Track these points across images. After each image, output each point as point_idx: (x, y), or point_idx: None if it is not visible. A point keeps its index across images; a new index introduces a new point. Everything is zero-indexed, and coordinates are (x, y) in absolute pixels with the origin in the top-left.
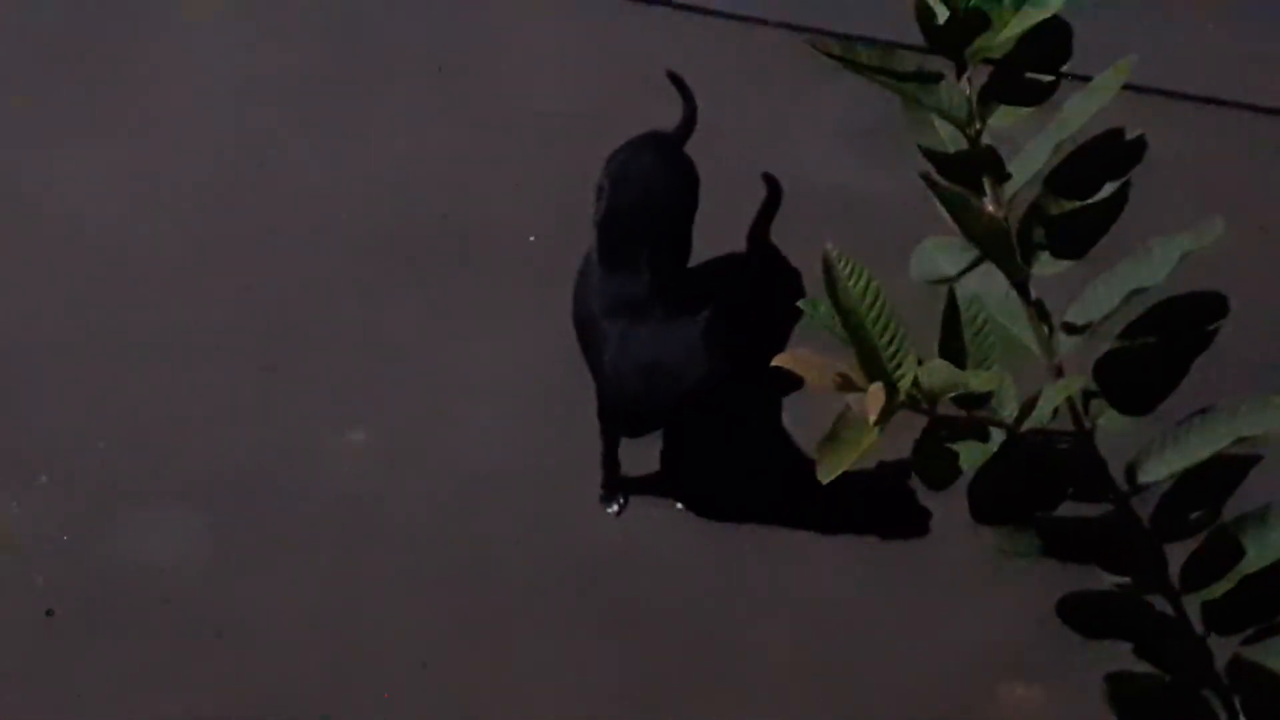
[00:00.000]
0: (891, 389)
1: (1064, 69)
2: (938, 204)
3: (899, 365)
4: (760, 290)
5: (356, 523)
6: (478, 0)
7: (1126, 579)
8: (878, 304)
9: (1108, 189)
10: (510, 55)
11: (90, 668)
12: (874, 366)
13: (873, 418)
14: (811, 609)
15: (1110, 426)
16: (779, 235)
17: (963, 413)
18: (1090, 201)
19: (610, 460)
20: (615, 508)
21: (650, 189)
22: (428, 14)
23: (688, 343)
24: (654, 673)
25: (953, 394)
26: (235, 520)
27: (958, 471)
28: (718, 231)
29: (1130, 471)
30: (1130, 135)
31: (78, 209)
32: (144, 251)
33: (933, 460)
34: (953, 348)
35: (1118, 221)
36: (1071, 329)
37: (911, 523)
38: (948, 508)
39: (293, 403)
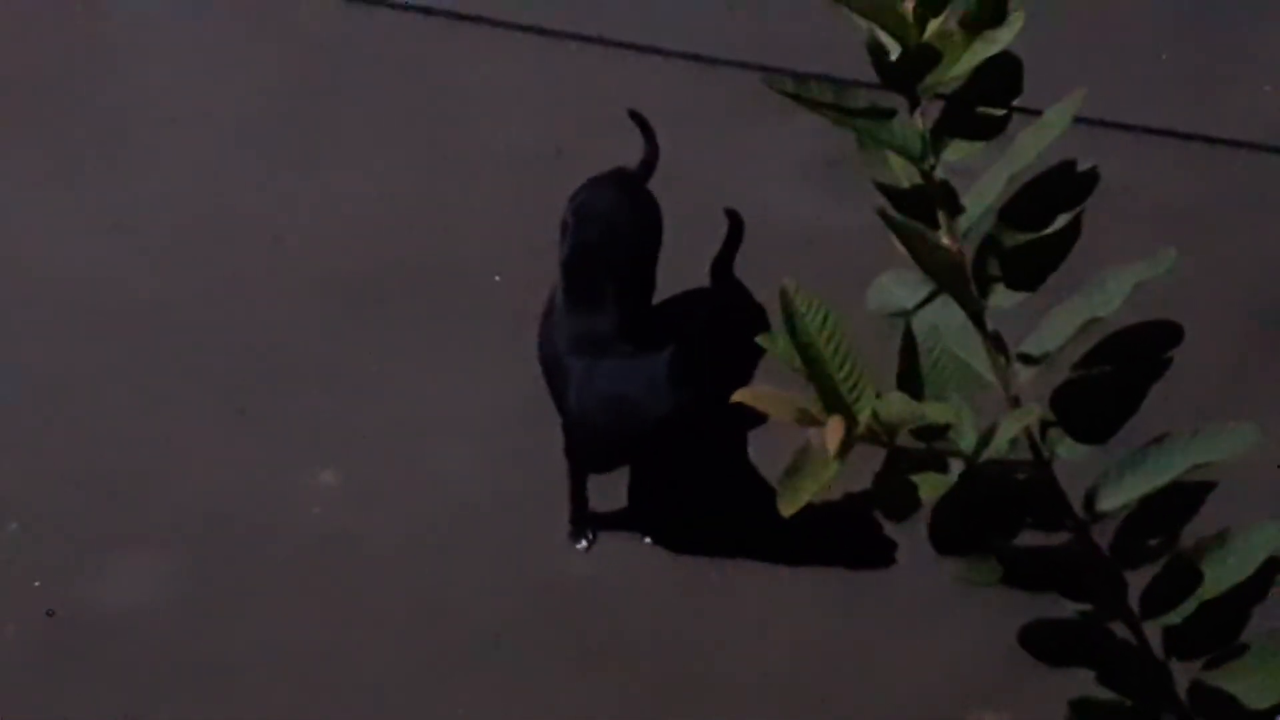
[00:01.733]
0: (850, 422)
1: (1015, 102)
2: (893, 238)
3: (858, 398)
4: (724, 326)
5: (329, 563)
6: (440, 40)
7: (1087, 606)
8: (835, 338)
9: (1061, 220)
10: (473, 95)
11: (63, 712)
12: (833, 400)
13: (832, 451)
14: (780, 640)
15: (1068, 455)
16: (741, 270)
17: (922, 445)
18: (1044, 233)
19: (578, 496)
20: (584, 543)
21: (614, 226)
22: (391, 55)
23: (651, 378)
24: (625, 706)
25: (911, 426)
26: (208, 563)
27: (918, 503)
28: (681, 268)
29: (1089, 500)
30: (1082, 167)
31: (43, 253)
32: (111, 295)
33: (893, 492)
34: (910, 380)
35: (1071, 253)
36: (1028, 360)
37: (878, 553)
38: (913, 538)
39: (263, 444)
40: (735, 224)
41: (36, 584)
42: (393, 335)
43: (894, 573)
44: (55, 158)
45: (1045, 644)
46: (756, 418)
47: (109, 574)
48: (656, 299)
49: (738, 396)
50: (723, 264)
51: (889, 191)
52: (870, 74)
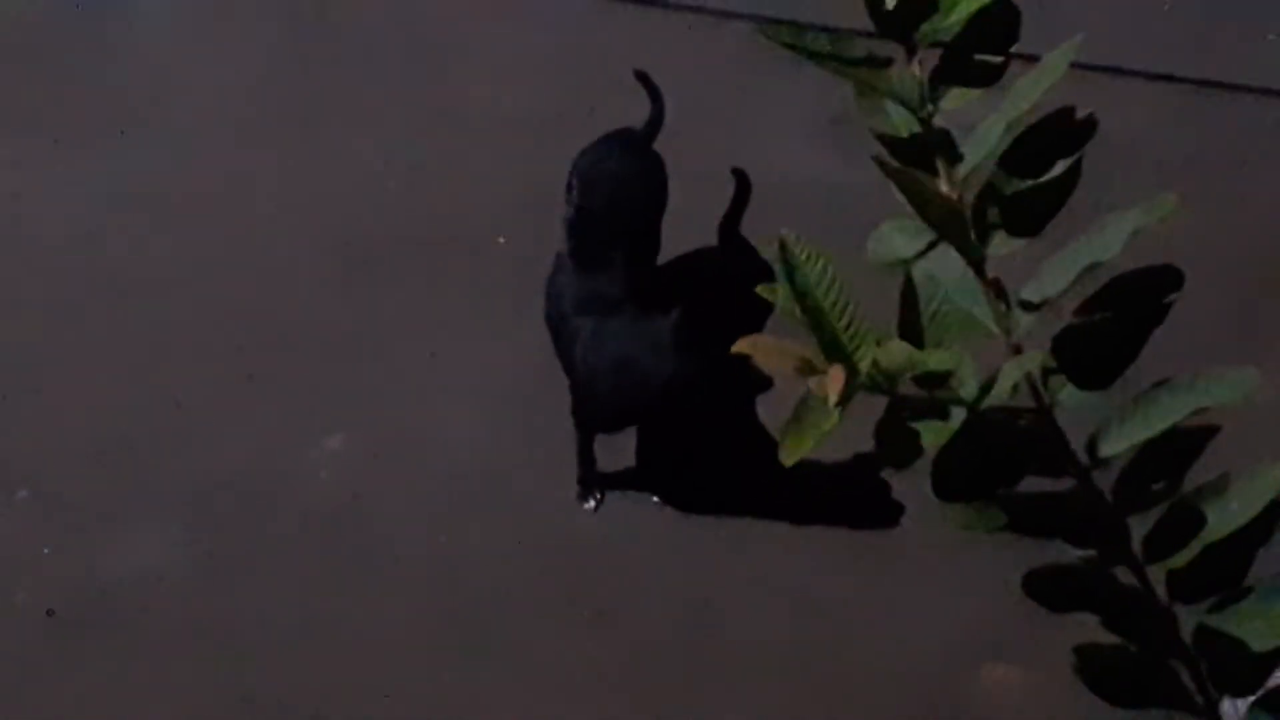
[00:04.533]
0: (851, 371)
1: (1013, 49)
2: (892, 187)
3: (858, 347)
4: (732, 285)
5: (337, 527)
6: (442, 2)
7: (1091, 552)
8: (835, 287)
9: (1060, 167)
10: (476, 57)
11: (71, 679)
12: (833, 349)
13: (833, 400)
14: (790, 598)
15: (1069, 402)
16: (749, 229)
17: (923, 393)
18: (1043, 180)
19: (586, 457)
20: (592, 503)
21: (620, 186)
22: (393, 18)
23: (657, 340)
24: (634, 665)
25: (912, 374)
26: (216, 529)
27: (919, 451)
28: (688, 227)
29: (1091, 445)
30: (1081, 113)
31: (47, 221)
32: (118, 263)
33: (895, 440)
34: (911, 328)
35: (1071, 199)
36: (1028, 306)
37: (884, 511)
38: (919, 496)
39: (271, 411)
40: (743, 183)
41: (46, 551)
42: (398, 299)
43: (901, 530)
44: (59, 127)
45: (1049, 590)
46: (764, 378)
47: (118, 540)
48: (663, 259)
49: (739, 346)
50: (730, 223)
51: (888, 141)
52: (864, 23)
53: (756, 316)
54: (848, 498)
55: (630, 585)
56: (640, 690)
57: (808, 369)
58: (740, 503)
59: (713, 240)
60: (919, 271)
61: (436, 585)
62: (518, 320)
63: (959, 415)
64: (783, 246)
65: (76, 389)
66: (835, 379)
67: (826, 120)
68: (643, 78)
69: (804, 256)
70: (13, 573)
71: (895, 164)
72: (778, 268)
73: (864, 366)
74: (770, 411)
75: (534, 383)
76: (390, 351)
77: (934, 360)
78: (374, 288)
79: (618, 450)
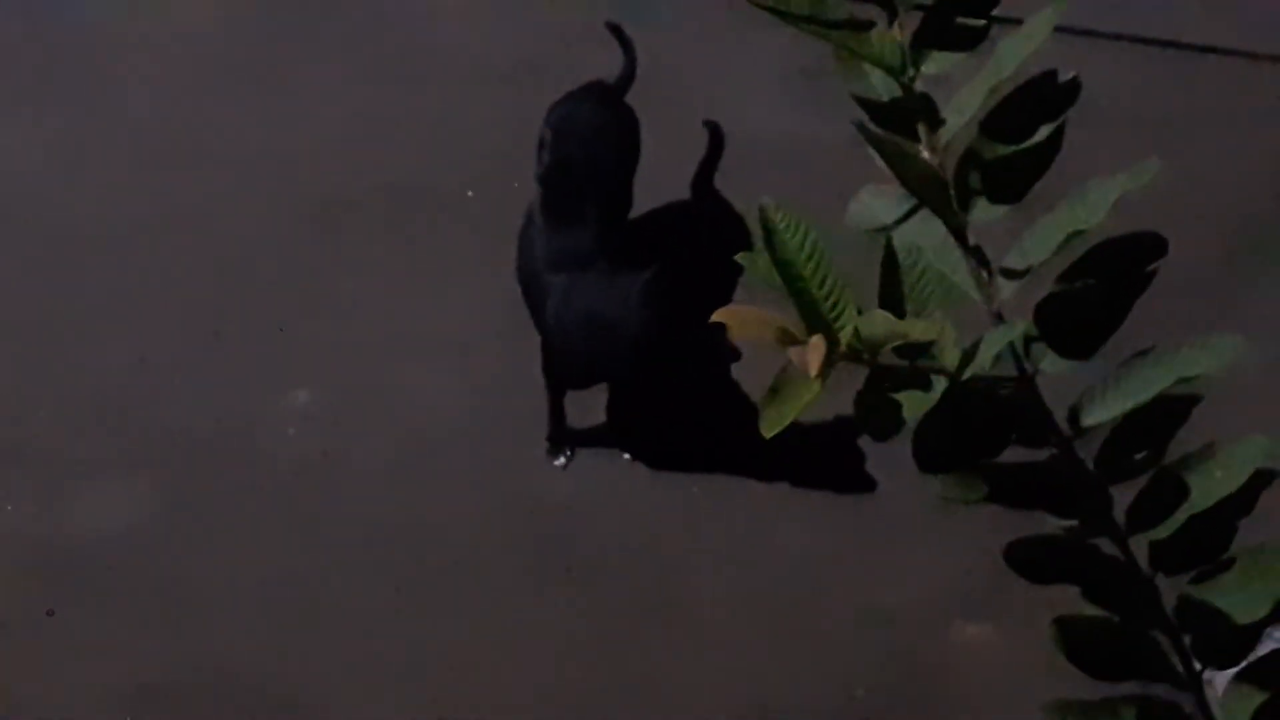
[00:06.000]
0: (832, 341)
1: (995, 12)
2: (872, 152)
3: (839, 317)
4: (705, 240)
5: (305, 483)
6: None
7: (1073, 522)
8: (815, 256)
9: (1043, 132)
10: (444, 7)
11: (38, 637)
12: (814, 319)
13: (813, 370)
14: (761, 555)
15: (1052, 370)
16: (720, 183)
17: (904, 362)
18: (1025, 145)
19: (556, 413)
20: (562, 460)
21: (592, 140)
22: None
23: (628, 297)
24: (605, 622)
25: (894, 344)
26: (183, 484)
27: (901, 422)
28: (660, 182)
29: (1073, 415)
30: (1064, 77)
31: (10, 178)
32: (82, 219)
33: (876, 411)
34: (892, 297)
35: (1054, 165)
36: (1010, 274)
37: (857, 469)
38: (894, 453)
39: (238, 366)
40: (716, 136)
41: (9, 508)
42: (366, 253)
43: (874, 489)
44: (22, 81)
45: (1031, 560)
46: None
47: (85, 498)
48: (636, 214)
49: (717, 316)
50: (703, 177)
51: (868, 105)
52: None
53: (729, 274)
54: (821, 455)
55: (601, 542)
56: (611, 647)
57: (788, 339)
58: (712, 460)
59: (685, 195)
60: (898, 239)
61: (404, 540)
62: (487, 275)
63: (940, 385)
64: (763, 214)
65: (43, 346)
66: (816, 350)
67: (798, 73)
68: (615, 29)
69: (784, 224)
70: None
71: (875, 129)
72: (757, 235)
73: (845, 337)
74: (743, 371)
75: (504, 338)
76: (358, 306)
77: (916, 330)
78: (342, 242)
79: (589, 407)
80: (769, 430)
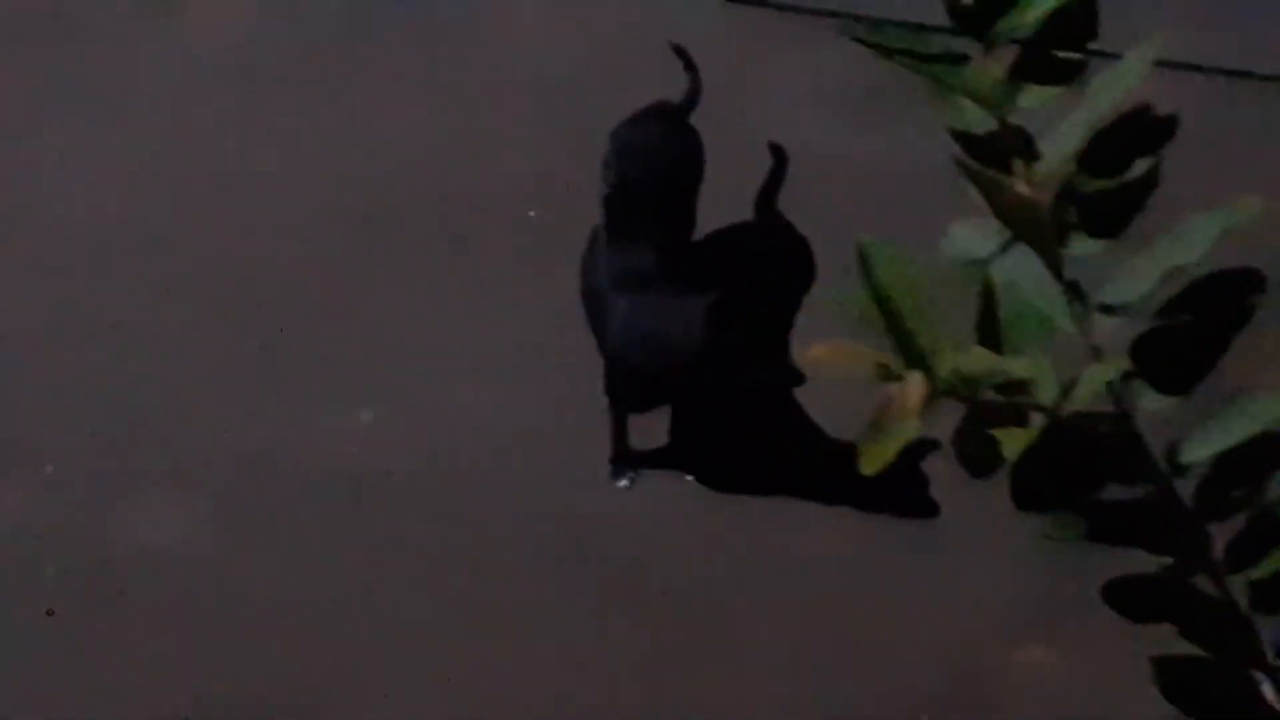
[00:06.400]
0: (931, 377)
1: (1091, 46)
2: (969, 186)
3: (937, 352)
4: (767, 261)
5: (363, 501)
6: None
7: (1170, 560)
8: (914, 290)
9: (1140, 166)
10: (508, 26)
11: (97, 654)
12: (912, 355)
13: (914, 408)
14: (824, 576)
15: (1150, 407)
16: (781, 202)
17: (1001, 399)
18: (1122, 180)
19: (619, 434)
20: (625, 481)
21: (657, 161)
22: None
23: (690, 319)
24: (666, 643)
25: (994, 382)
26: (240, 502)
27: (1000, 459)
28: (721, 202)
29: (1171, 452)
30: (1161, 111)
31: (69, 194)
32: (140, 234)
33: (975, 449)
34: (990, 333)
35: (1152, 199)
36: (1108, 309)
37: (920, 491)
38: (956, 471)
39: (296, 383)
40: (779, 158)
41: (72, 525)
42: (425, 271)
43: (936, 512)
44: (73, 98)
45: (1129, 599)
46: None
47: (144, 516)
48: (698, 234)
49: (812, 352)
50: (766, 198)
51: (963, 138)
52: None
53: (792, 295)
54: (882, 477)
55: (662, 563)
56: (671, 668)
57: (886, 375)
58: (774, 482)
59: (745, 216)
60: (995, 273)
61: (465, 560)
62: (548, 294)
63: (1036, 421)
64: (860, 248)
65: (101, 363)
66: (916, 387)
67: (856, 94)
68: (679, 51)
69: (881, 258)
70: (41, 546)
71: (971, 162)
72: (856, 270)
73: (944, 373)
74: (805, 394)
75: (566, 358)
76: (419, 324)
77: (1017, 368)
78: (405, 260)
79: (653, 428)
80: (870, 468)
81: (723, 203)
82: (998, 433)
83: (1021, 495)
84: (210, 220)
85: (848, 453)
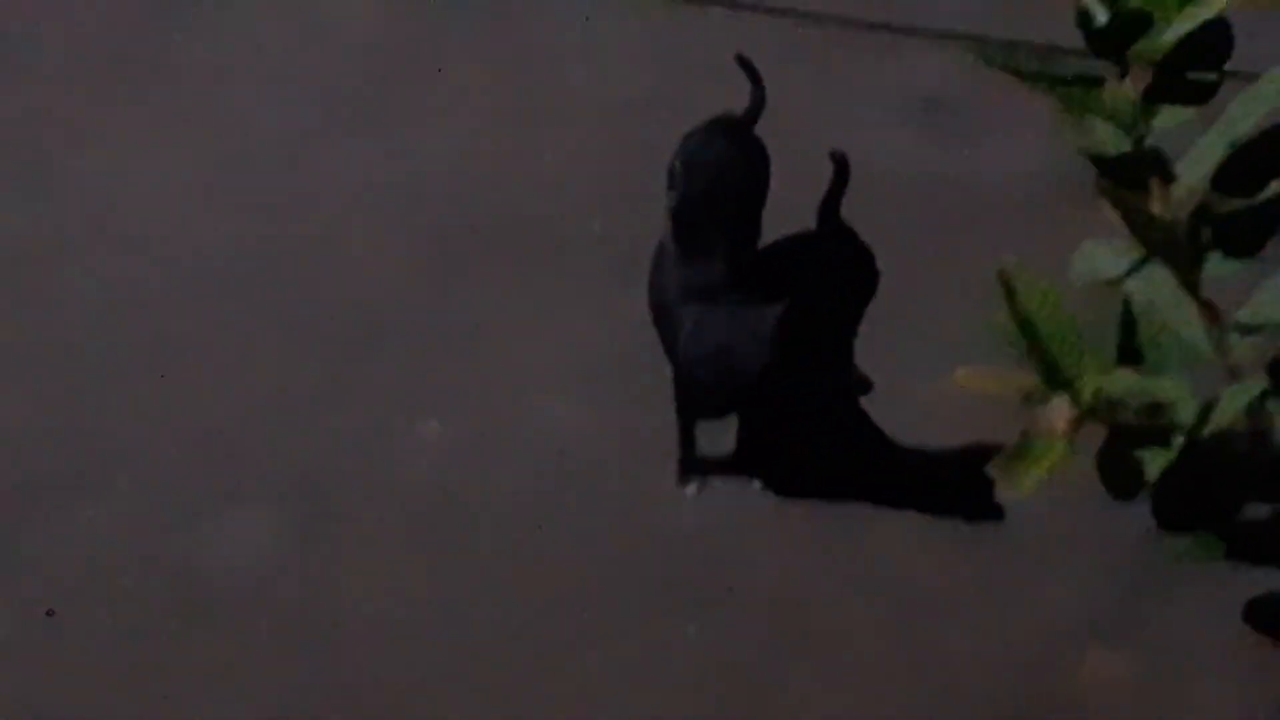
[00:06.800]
0: (1075, 400)
1: (1226, 67)
2: (1106, 207)
3: (1081, 375)
4: (832, 271)
5: (437, 513)
6: None
7: None
8: (1056, 314)
9: (1275, 186)
10: (572, 45)
11: (173, 671)
12: (1056, 378)
13: (1060, 430)
14: (894, 583)
15: None
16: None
17: (1141, 420)
18: (1259, 200)
19: (687, 442)
20: (693, 488)
21: (723, 174)
22: (487, 5)
23: (758, 329)
24: (736, 652)
25: (1138, 403)
26: (315, 516)
27: (1143, 480)
28: (786, 213)
29: None
30: None
31: (145, 212)
32: (213, 251)
33: (1117, 470)
34: (1130, 353)
35: None
36: (1245, 329)
37: (987, 496)
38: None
39: (368, 399)
40: (841, 167)
41: (149, 539)
42: (494, 286)
43: (1009, 514)
44: (151, 119)
45: (1271, 618)
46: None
47: (219, 530)
48: (763, 245)
49: (958, 376)
50: (829, 208)
51: (1099, 159)
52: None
53: (857, 304)
54: (950, 483)
55: (731, 571)
56: (740, 678)
57: (1033, 398)
58: (841, 489)
59: (809, 226)
60: (1131, 294)
61: (536, 569)
62: (615, 306)
63: (1176, 442)
64: (1002, 275)
65: (175, 379)
66: (1061, 410)
67: (920, 105)
68: (744, 62)
69: (1025, 283)
70: (121, 561)
71: (1107, 182)
72: (999, 295)
73: (1087, 395)
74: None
75: (632, 369)
76: (487, 336)
77: (1161, 389)
78: (470, 275)
79: (719, 436)
80: (1023, 489)
81: (791, 215)
82: (1139, 454)
83: (1164, 516)
84: (287, 239)
85: (913, 458)
